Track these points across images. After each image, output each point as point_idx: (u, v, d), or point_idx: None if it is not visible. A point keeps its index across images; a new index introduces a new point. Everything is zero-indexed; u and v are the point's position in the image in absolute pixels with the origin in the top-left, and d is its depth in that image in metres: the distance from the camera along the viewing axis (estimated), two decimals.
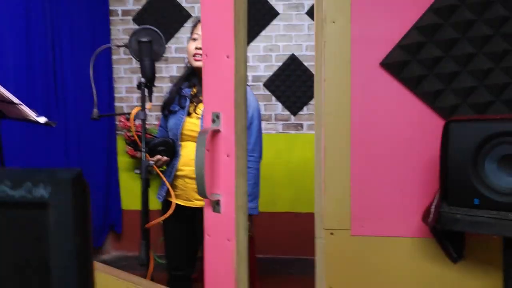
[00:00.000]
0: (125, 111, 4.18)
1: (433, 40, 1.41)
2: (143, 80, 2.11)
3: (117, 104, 4.18)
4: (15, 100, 1.89)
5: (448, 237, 1.34)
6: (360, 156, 1.47)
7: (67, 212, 0.34)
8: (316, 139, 1.54)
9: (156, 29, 2.16)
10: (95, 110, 2.13)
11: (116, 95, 4.17)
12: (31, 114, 1.95)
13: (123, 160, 4.19)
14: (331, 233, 1.49)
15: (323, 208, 1.49)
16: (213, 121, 0.88)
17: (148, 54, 2.12)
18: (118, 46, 2.20)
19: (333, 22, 1.45)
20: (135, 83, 4.16)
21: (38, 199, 0.34)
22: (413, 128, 1.45)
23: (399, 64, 1.43)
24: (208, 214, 0.90)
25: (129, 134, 4.01)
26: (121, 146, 4.16)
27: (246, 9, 0.84)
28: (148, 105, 2.14)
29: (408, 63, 1.42)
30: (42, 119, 1.97)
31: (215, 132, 0.87)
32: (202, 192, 0.85)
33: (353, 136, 1.47)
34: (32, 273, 0.36)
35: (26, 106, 1.93)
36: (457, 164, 1.20)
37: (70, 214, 0.34)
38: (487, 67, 1.37)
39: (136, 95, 4.16)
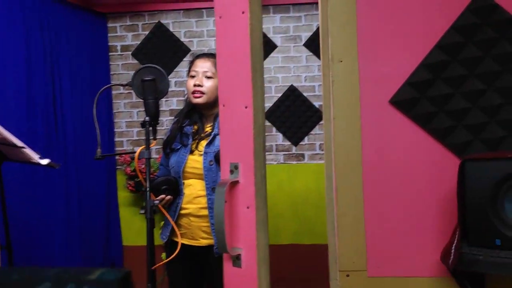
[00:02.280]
0: (125, 146, 4.17)
1: (442, 77, 1.41)
2: (147, 118, 2.09)
3: (117, 139, 4.17)
4: (19, 143, 1.87)
5: (469, 277, 1.30)
6: (373, 194, 1.45)
7: None
8: (326, 178, 1.52)
9: (159, 67, 2.16)
10: (99, 150, 2.10)
11: (116, 129, 4.16)
12: (34, 157, 1.92)
13: (123, 195, 4.15)
14: (347, 275, 1.45)
15: (337, 248, 1.45)
16: (231, 172, 0.86)
17: (151, 92, 2.11)
18: (122, 85, 2.19)
19: (340, 61, 1.45)
20: (135, 118, 4.17)
21: None
22: (426, 165, 1.43)
23: (408, 102, 1.42)
24: (228, 269, 0.87)
25: (130, 169, 3.98)
26: (120, 181, 4.13)
27: (262, 59, 0.83)
28: (152, 143, 2.11)
29: (418, 100, 1.42)
30: (44, 161, 1.95)
31: (234, 183, 0.85)
32: (222, 247, 0.82)
33: (365, 174, 1.45)
34: None
35: (29, 149, 1.91)
36: (475, 204, 1.18)
37: None
38: (498, 102, 1.37)
39: (136, 129, 4.16)
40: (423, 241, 1.44)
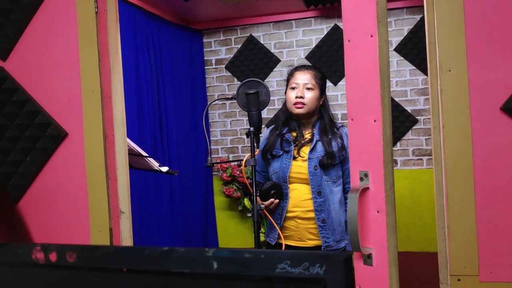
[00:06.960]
0: (220, 153, 4.41)
1: None
2: (251, 129, 2.24)
3: (213, 147, 4.42)
4: (144, 153, 2.10)
5: None
6: (485, 200, 1.47)
7: (340, 287, 0.42)
8: (436, 184, 1.56)
9: (261, 80, 2.32)
10: (209, 158, 2.30)
11: (212, 138, 4.42)
12: (156, 164, 2.15)
13: (218, 199, 4.39)
14: (458, 279, 1.48)
15: (449, 253, 1.49)
16: (361, 179, 0.96)
17: (255, 105, 2.26)
18: (227, 99, 2.38)
19: (449, 70, 1.49)
20: (228, 127, 4.40)
21: (314, 276, 0.43)
22: None
23: None
24: (359, 266, 0.97)
25: (226, 175, 4.20)
26: (216, 186, 4.37)
27: (389, 76, 0.92)
28: (256, 151, 2.26)
29: None
30: (164, 169, 2.17)
31: (364, 190, 0.95)
32: (355, 246, 0.92)
33: (476, 180, 1.47)
34: None
35: (152, 158, 2.14)
36: None
37: None
38: None
39: (230, 137, 4.38)
40: None
